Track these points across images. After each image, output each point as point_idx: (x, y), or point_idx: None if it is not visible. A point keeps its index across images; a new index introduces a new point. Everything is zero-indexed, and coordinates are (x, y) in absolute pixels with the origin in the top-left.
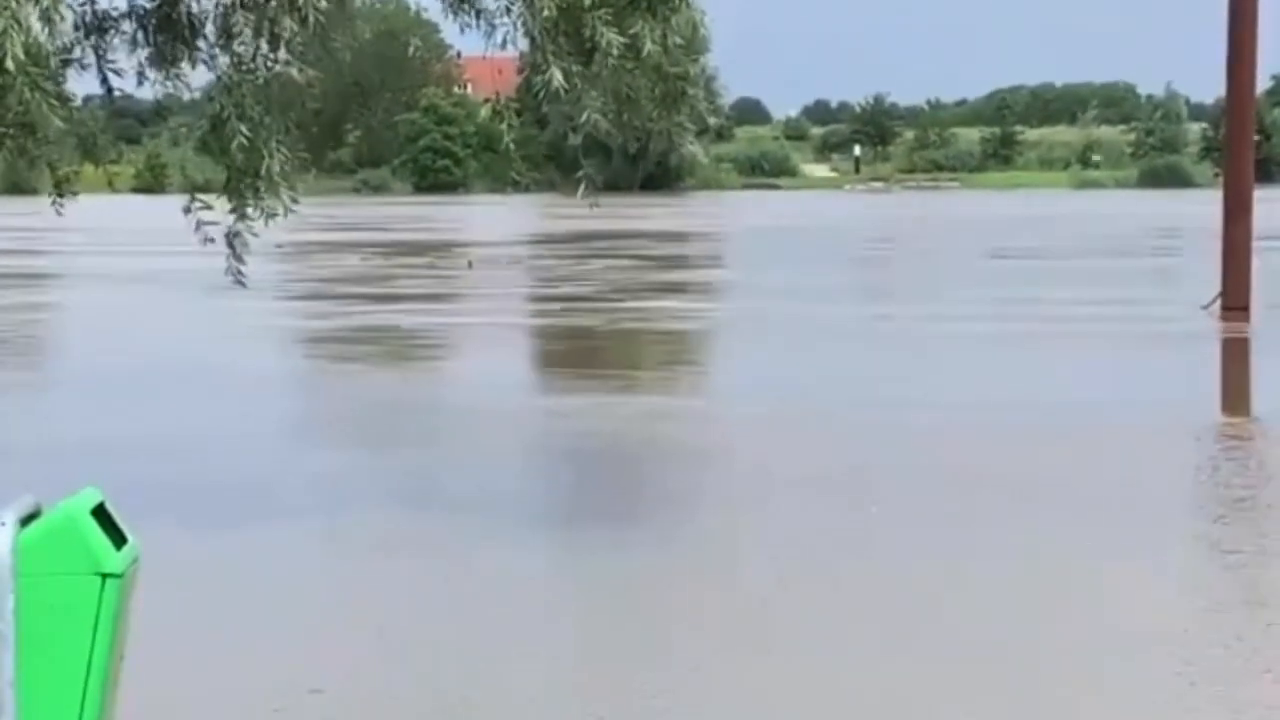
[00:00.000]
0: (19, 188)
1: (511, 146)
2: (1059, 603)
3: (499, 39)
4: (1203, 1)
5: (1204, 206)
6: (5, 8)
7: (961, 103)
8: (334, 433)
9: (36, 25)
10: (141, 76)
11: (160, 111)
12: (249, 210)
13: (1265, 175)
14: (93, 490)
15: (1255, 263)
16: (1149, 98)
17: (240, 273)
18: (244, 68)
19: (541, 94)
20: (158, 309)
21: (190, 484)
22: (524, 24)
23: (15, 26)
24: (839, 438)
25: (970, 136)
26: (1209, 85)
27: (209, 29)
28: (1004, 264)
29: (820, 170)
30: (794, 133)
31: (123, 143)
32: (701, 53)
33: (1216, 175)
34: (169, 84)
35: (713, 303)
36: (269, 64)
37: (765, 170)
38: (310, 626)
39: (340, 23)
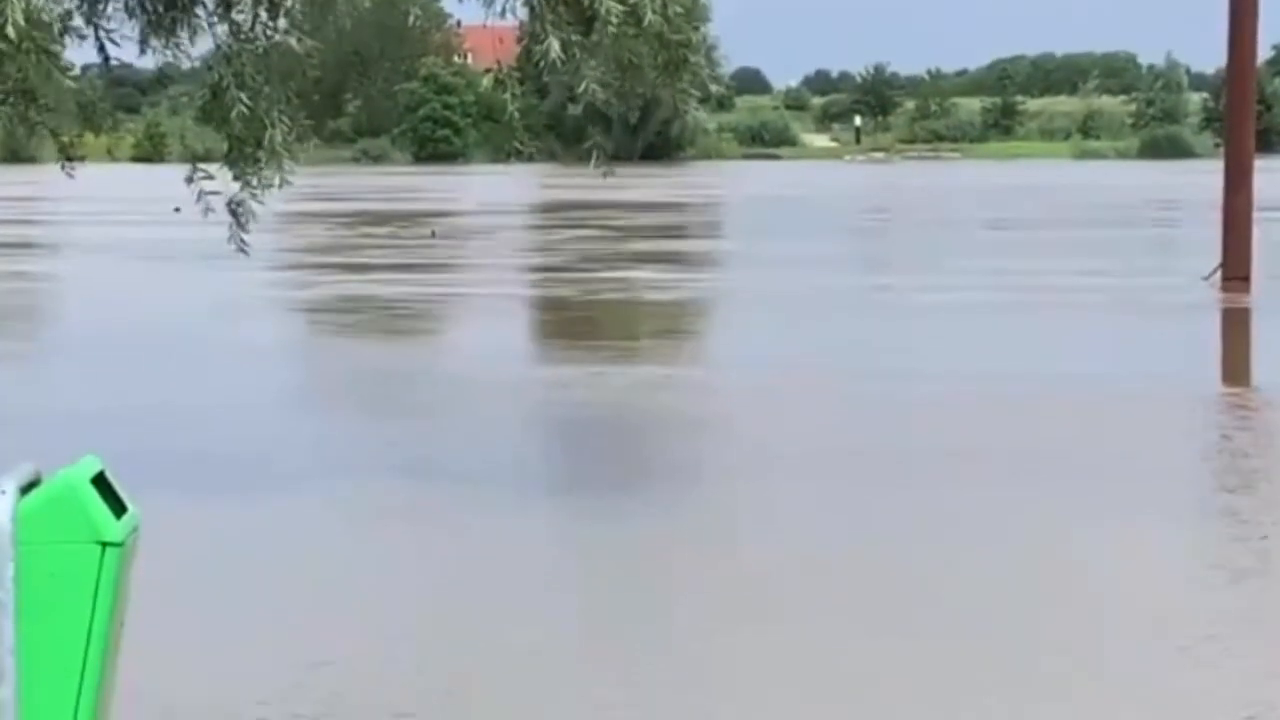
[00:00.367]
0: (17, 155)
1: (516, 116)
2: (1062, 574)
3: (498, 8)
4: None
5: (1205, 177)
6: None
7: (962, 73)
8: (329, 402)
9: None
10: (142, 45)
11: (160, 80)
12: (251, 179)
13: (1266, 145)
14: (92, 458)
15: (1256, 233)
16: (1150, 68)
17: (243, 241)
18: (243, 36)
19: (541, 63)
20: (145, 279)
21: (189, 453)
22: None
23: None
24: (837, 409)
25: (971, 107)
26: (1210, 55)
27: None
28: (1004, 235)
29: (821, 140)
30: (794, 103)
31: (122, 111)
32: (702, 21)
33: (1217, 145)
34: (168, 53)
35: (696, 274)
36: (268, 33)
37: (765, 140)
38: (314, 597)
39: None
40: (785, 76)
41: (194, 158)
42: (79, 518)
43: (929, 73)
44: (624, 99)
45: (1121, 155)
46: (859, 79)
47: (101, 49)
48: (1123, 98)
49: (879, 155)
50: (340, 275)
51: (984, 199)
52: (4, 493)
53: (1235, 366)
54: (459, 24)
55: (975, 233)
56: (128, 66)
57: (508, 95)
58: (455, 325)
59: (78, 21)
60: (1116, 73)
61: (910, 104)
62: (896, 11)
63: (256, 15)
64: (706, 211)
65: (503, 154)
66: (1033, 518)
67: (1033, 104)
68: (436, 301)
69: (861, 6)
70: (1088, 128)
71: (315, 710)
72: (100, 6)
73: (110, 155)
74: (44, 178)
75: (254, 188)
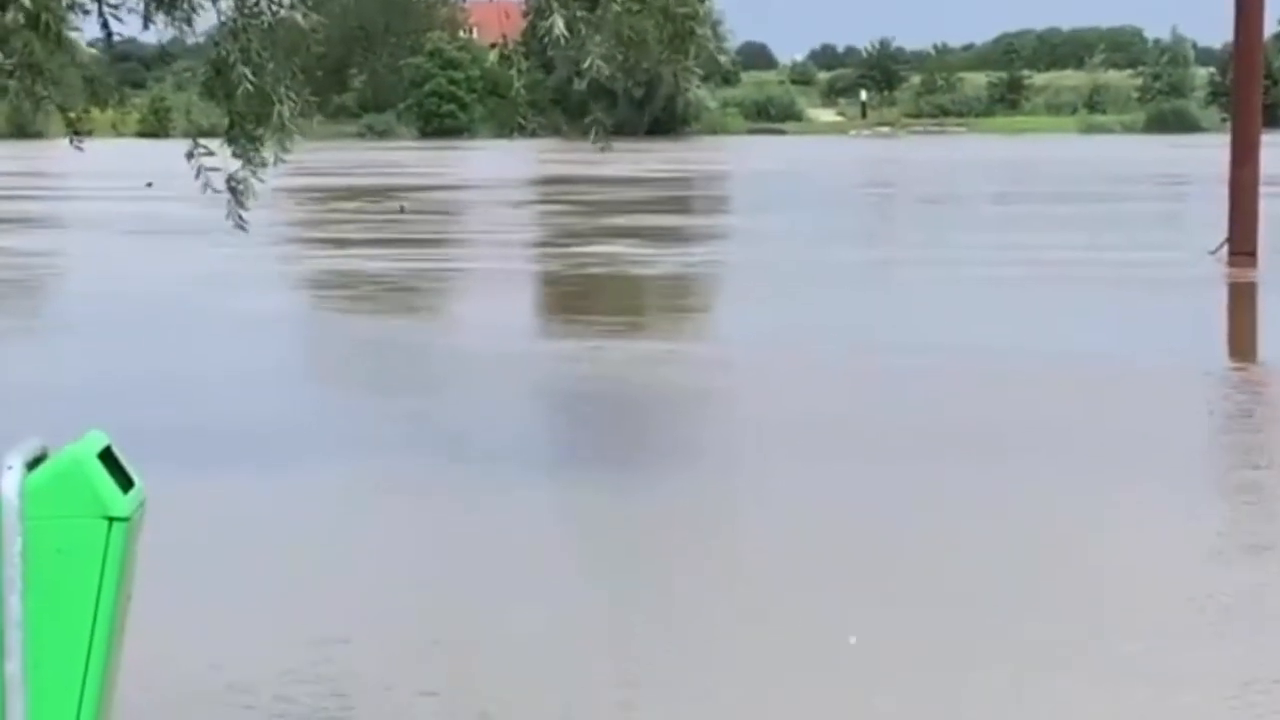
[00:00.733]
0: (24, 130)
1: (521, 92)
2: (1070, 545)
3: None
4: None
5: (1211, 151)
6: None
7: (968, 47)
8: (331, 376)
9: None
10: (145, 20)
11: (164, 56)
12: (251, 156)
13: (1272, 120)
14: (98, 434)
15: (1262, 208)
16: (1156, 42)
17: (241, 218)
18: (248, 11)
19: (546, 39)
20: (127, 255)
21: (192, 427)
22: None
23: None
24: (848, 383)
25: (977, 81)
26: (1217, 29)
27: None
28: (1009, 209)
29: (826, 115)
30: (800, 77)
31: (128, 87)
32: None
33: (1224, 120)
34: (173, 27)
35: (677, 248)
36: (274, 7)
37: (771, 115)
38: (326, 573)
39: None
40: (791, 51)
41: (196, 133)
42: (86, 493)
43: (935, 47)
44: (629, 74)
45: (1128, 129)
46: (865, 54)
47: (105, 24)
48: (1129, 72)
49: (884, 130)
50: (319, 250)
51: (990, 173)
52: (11, 468)
53: (1241, 341)
54: None
55: (980, 207)
56: (132, 41)
57: (513, 71)
58: (432, 298)
59: None
60: (1123, 47)
61: (916, 79)
62: None
63: None
64: (700, 186)
65: (507, 129)
66: (1040, 492)
67: (1039, 78)
68: (413, 276)
69: None
70: (1094, 102)
71: (334, 689)
72: None
73: (116, 130)
74: (32, 153)
75: (254, 165)
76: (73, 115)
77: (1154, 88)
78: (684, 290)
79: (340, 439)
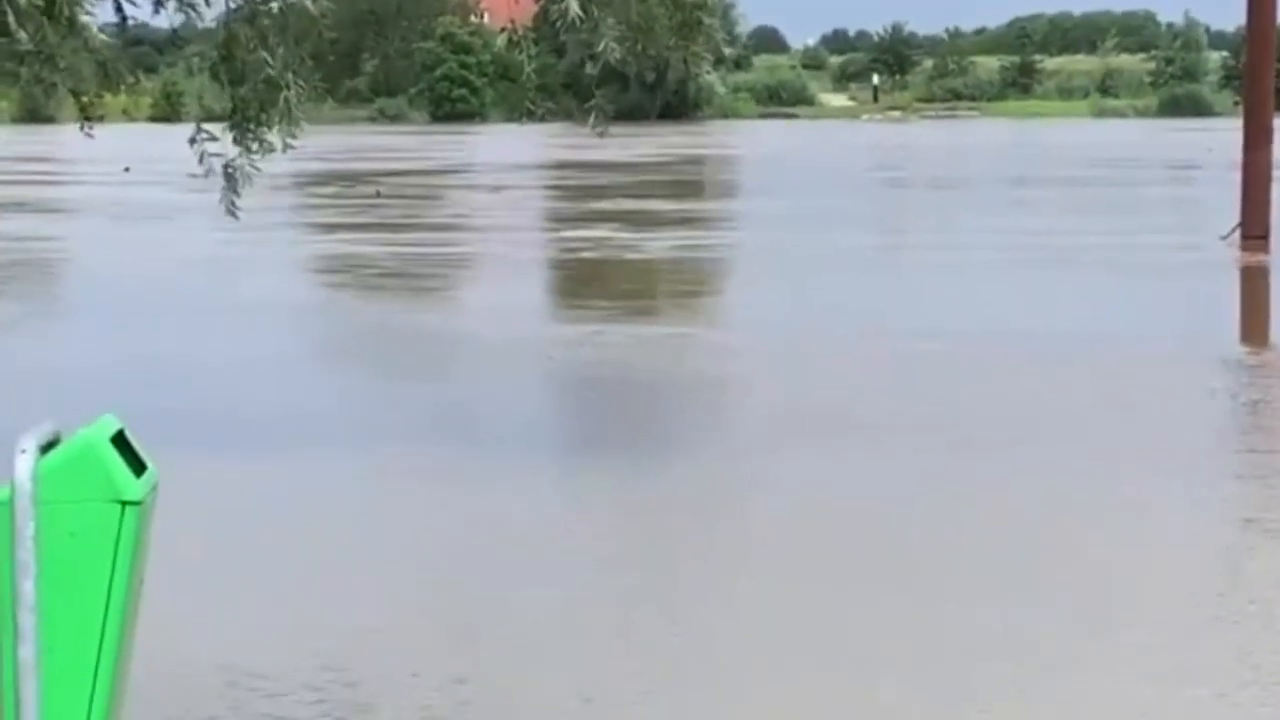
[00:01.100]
0: (36, 115)
1: (531, 77)
2: (1084, 527)
3: None
4: None
5: (1224, 135)
6: None
7: (980, 31)
8: (339, 360)
9: None
10: (156, 4)
11: (175, 40)
12: (251, 143)
13: None
14: (111, 418)
15: (1275, 192)
16: (1168, 26)
17: (234, 204)
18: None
19: (559, 23)
20: (118, 240)
21: (203, 412)
22: None
23: None
24: (851, 367)
25: (989, 65)
26: (1230, 13)
27: None
28: (1022, 193)
29: (838, 99)
30: (812, 62)
31: (140, 70)
32: None
33: (1236, 104)
34: (184, 12)
35: (661, 233)
36: None
37: (783, 99)
38: (351, 560)
39: None
40: (803, 35)
41: (206, 118)
42: (99, 476)
43: (947, 31)
44: (640, 59)
45: (1140, 114)
46: (877, 38)
47: (119, 9)
48: (1141, 56)
49: (896, 114)
50: (301, 235)
51: (1001, 158)
52: (24, 452)
53: (1254, 326)
54: None
55: (992, 192)
56: (144, 26)
57: (523, 56)
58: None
59: None
60: (1135, 31)
61: (928, 63)
62: None
63: None
64: (708, 169)
65: (517, 114)
66: (1052, 474)
67: (1051, 63)
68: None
69: None
70: (1106, 86)
71: (369, 675)
72: None
73: (128, 115)
74: (38, 138)
75: (253, 152)
76: (85, 100)
77: (1166, 72)
78: (683, 275)
79: (353, 423)
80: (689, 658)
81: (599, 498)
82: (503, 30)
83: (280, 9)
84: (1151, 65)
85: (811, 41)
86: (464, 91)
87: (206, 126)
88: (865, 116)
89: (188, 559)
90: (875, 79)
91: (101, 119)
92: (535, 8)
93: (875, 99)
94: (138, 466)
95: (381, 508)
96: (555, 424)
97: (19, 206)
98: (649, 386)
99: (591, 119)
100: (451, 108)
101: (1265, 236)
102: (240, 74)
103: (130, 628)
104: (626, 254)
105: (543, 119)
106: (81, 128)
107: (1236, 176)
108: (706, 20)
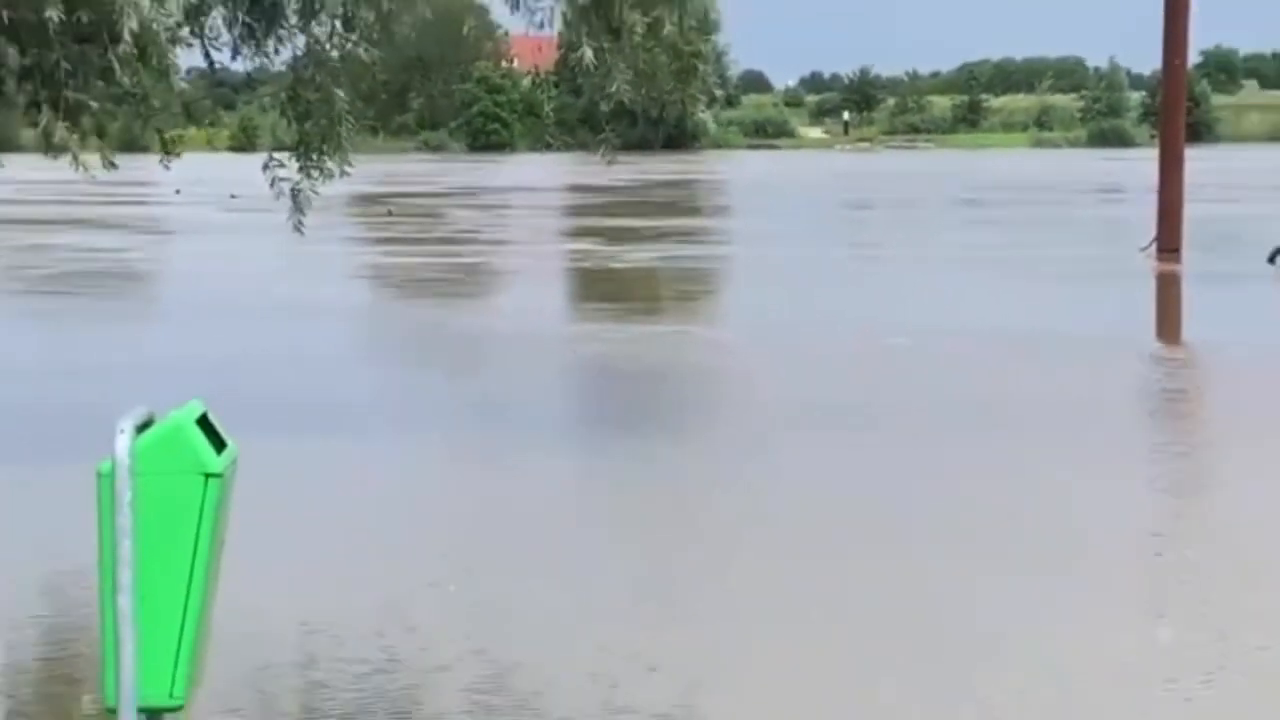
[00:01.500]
0: (133, 145)
1: (550, 114)
2: (1031, 494)
3: (539, 20)
4: None
5: (1142, 164)
6: None
7: (935, 74)
8: (389, 356)
9: (146, 4)
10: (234, 52)
11: (250, 82)
12: (313, 170)
13: (1194, 137)
14: (197, 402)
15: (1185, 211)
16: (1096, 69)
17: (300, 222)
18: (319, 49)
19: (576, 68)
20: (202, 253)
21: (275, 398)
22: (561, 9)
23: (131, 4)
24: (826, 361)
25: (943, 103)
26: (1148, 58)
27: (290, 12)
28: (968, 213)
29: (815, 132)
30: (792, 100)
31: (222, 108)
32: (712, 32)
33: (1153, 136)
34: (257, 58)
35: (628, 246)
36: (342, 44)
37: (768, 132)
38: (406, 524)
39: (409, 8)
40: (784, 77)
41: (276, 148)
42: (186, 453)
43: (907, 74)
44: (645, 99)
45: (1072, 145)
46: (847, 80)
47: (207, 55)
48: (1072, 95)
49: (864, 145)
50: (329, 247)
51: (954, 183)
52: (123, 432)
53: (1168, 325)
54: (506, 33)
55: (946, 211)
56: (225, 69)
57: (545, 97)
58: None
59: (184, 32)
60: (1067, 74)
61: (891, 101)
62: (879, 22)
63: (333, 29)
64: (695, 190)
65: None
66: (1003, 454)
67: (995, 101)
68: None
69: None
70: (1042, 121)
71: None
72: (203, 19)
73: (210, 146)
74: (135, 165)
75: (315, 177)
76: (168, 136)
77: (1094, 109)
78: (666, 280)
79: (405, 411)
80: (697, 622)
81: (619, 469)
82: (528, 74)
83: (340, 56)
84: (1081, 103)
85: (791, 83)
86: (496, 125)
87: (276, 155)
88: (837, 147)
89: (265, 524)
90: (846, 115)
91: (178, 155)
92: (557, 54)
93: (846, 132)
94: (219, 444)
95: (429, 479)
96: (578, 406)
97: (86, 224)
98: (653, 374)
99: (602, 150)
100: (486, 140)
101: (1178, 249)
102: (306, 111)
103: (213, 581)
104: (629, 263)
105: (566, 149)
106: (160, 160)
107: (1153, 198)
108: (701, 67)
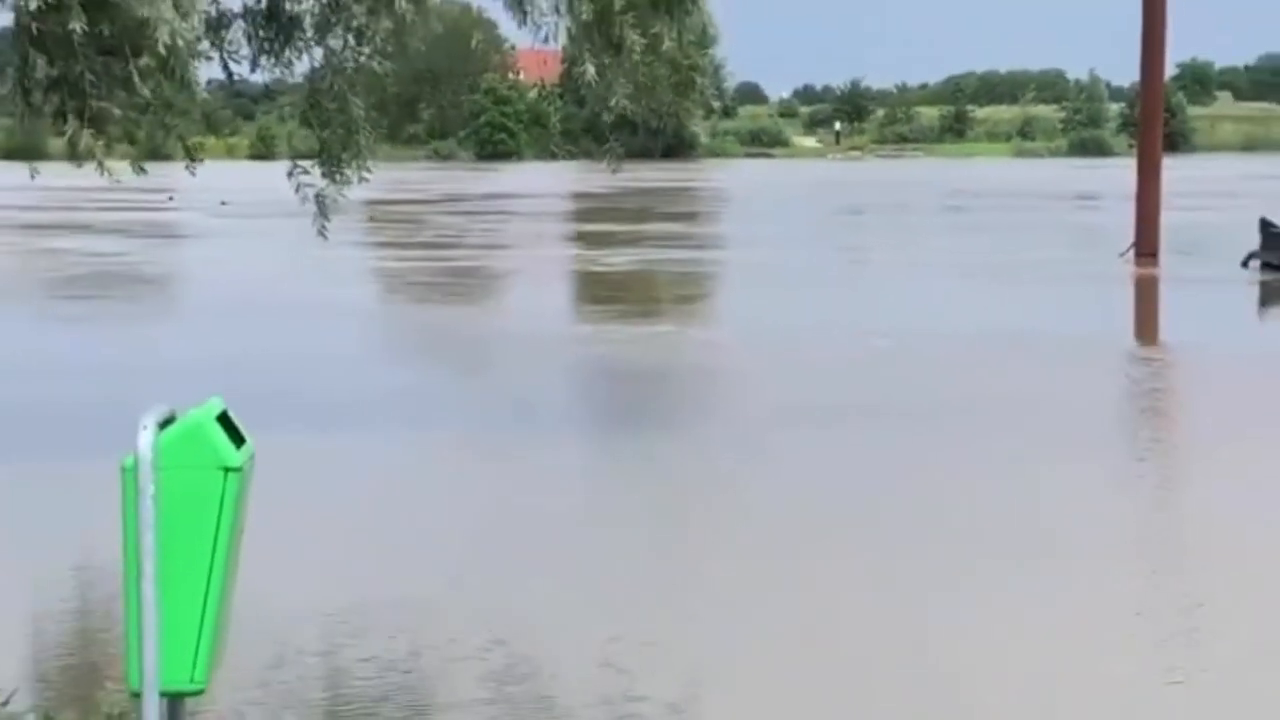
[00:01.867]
0: (155, 154)
1: (556, 125)
2: (1012, 480)
3: (543, 35)
4: (1122, 4)
5: (1121, 172)
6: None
7: (923, 86)
8: (397, 357)
9: (171, 18)
10: (253, 65)
11: (269, 93)
12: (336, 176)
13: (1170, 146)
14: (216, 400)
15: (1163, 217)
16: (1076, 82)
17: (324, 227)
18: (335, 61)
19: (580, 81)
20: (209, 255)
21: (291, 395)
22: (565, 24)
23: (163, 19)
24: (815, 359)
25: (930, 114)
26: (1127, 71)
27: (306, 26)
28: (955, 218)
29: (808, 142)
30: (786, 111)
31: (241, 118)
32: (710, 46)
33: (1131, 146)
34: (276, 70)
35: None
36: (356, 57)
37: (763, 141)
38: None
39: (420, 22)
40: (779, 89)
41: (296, 156)
42: (206, 448)
43: (896, 86)
44: (645, 111)
45: (1053, 154)
46: (839, 92)
47: (226, 67)
48: (1054, 106)
49: (855, 154)
50: (323, 250)
51: (941, 190)
52: (145, 428)
53: (1146, 326)
54: (513, 47)
55: (929, 217)
56: (244, 81)
57: (551, 109)
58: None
59: (204, 46)
60: (1049, 86)
61: (881, 112)
62: (870, 37)
63: (346, 42)
64: (694, 196)
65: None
66: (986, 445)
67: (980, 112)
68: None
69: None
70: (1025, 131)
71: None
72: (224, 33)
73: (230, 154)
74: (156, 173)
75: (338, 183)
76: (190, 144)
77: (1074, 119)
78: (677, 281)
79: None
80: (698, 596)
81: (627, 462)
82: (534, 86)
83: (354, 68)
84: (1062, 114)
85: (786, 94)
86: (503, 135)
87: (300, 163)
88: (830, 156)
89: (285, 515)
90: (838, 125)
91: (201, 161)
92: (561, 68)
93: (837, 141)
94: (238, 440)
95: (439, 470)
96: (580, 400)
97: (86, 229)
98: (650, 369)
99: (607, 159)
100: (493, 149)
101: (1155, 254)
102: (326, 120)
103: (233, 570)
104: (627, 266)
105: (571, 157)
106: (186, 167)
107: (1131, 205)
108: (699, 80)
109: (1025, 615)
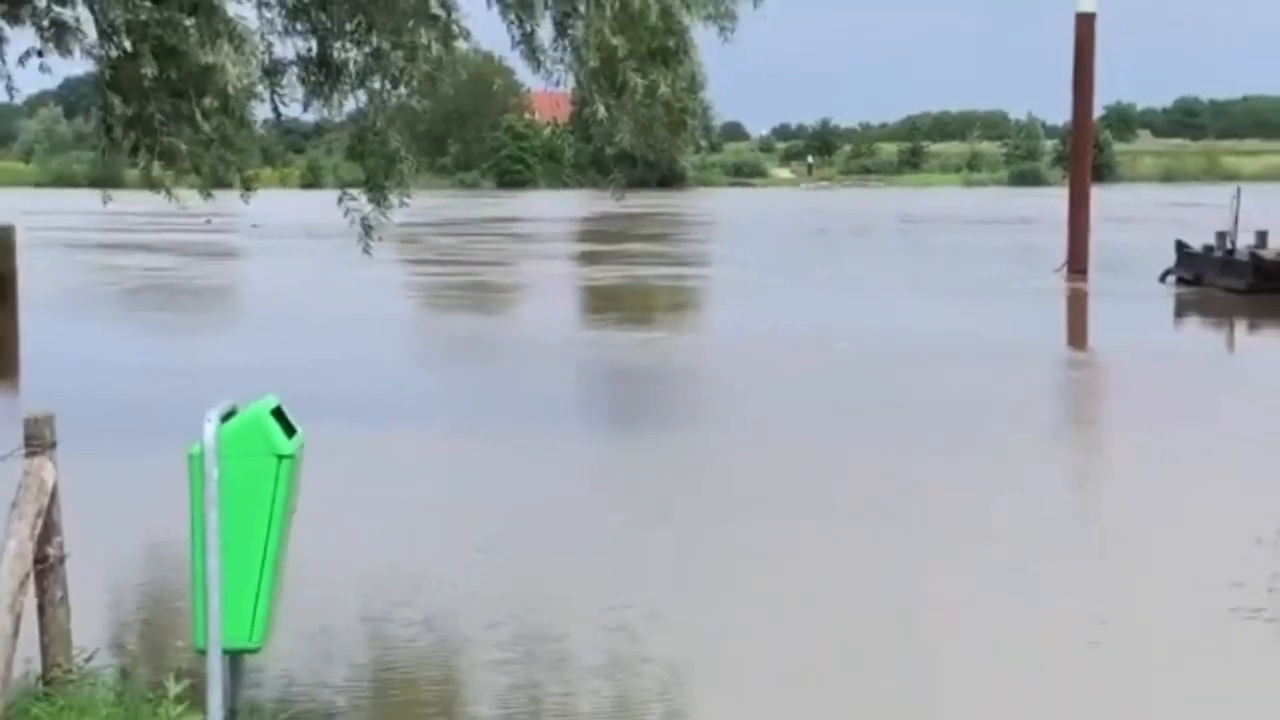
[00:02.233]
0: (219, 184)
1: (570, 159)
2: (957, 471)
3: (555, 80)
4: (1056, 54)
5: (1055, 200)
6: (213, 48)
7: (884, 125)
8: (431, 359)
9: (230, 66)
10: (304, 105)
11: (318, 129)
12: (380, 201)
13: (1098, 177)
14: (271, 396)
15: (1091, 238)
16: (1016, 121)
17: (369, 247)
18: (378, 99)
19: (589, 120)
20: (274, 268)
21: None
22: (574, 71)
23: (226, 63)
24: (788, 360)
25: (890, 149)
26: (1060, 111)
27: (351, 71)
28: (909, 239)
29: (784, 173)
30: (765, 146)
31: (292, 152)
32: (699, 90)
33: (1064, 177)
34: (324, 110)
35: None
36: (397, 96)
37: (745, 173)
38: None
39: (449, 68)
40: (759, 127)
41: (344, 185)
42: (262, 438)
43: (861, 125)
44: (643, 147)
45: (996, 184)
46: (811, 129)
47: (275, 108)
48: (998, 143)
49: (824, 184)
50: (336, 268)
51: (897, 214)
52: (210, 420)
53: (1076, 334)
54: (529, 90)
55: (889, 237)
56: (295, 119)
57: (565, 144)
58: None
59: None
60: (993, 125)
61: (847, 147)
62: (837, 82)
63: (384, 85)
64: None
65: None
66: (933, 441)
67: (934, 147)
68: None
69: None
70: (973, 164)
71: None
72: (279, 77)
73: (282, 184)
74: (217, 201)
75: (382, 207)
76: (247, 176)
77: (1015, 154)
78: (673, 293)
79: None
80: (695, 572)
81: (629, 453)
82: (547, 125)
83: (395, 106)
84: (1004, 149)
85: (765, 131)
86: (521, 167)
87: (349, 190)
88: (802, 185)
89: (343, 498)
90: (809, 159)
91: (255, 191)
92: (571, 109)
93: (809, 173)
94: (290, 430)
95: (465, 459)
96: (586, 399)
97: (136, 249)
98: (661, 370)
99: (612, 189)
100: (512, 178)
101: (1085, 270)
102: (370, 152)
103: (285, 545)
104: (632, 280)
105: (580, 186)
106: (240, 196)
107: (1064, 227)
108: (690, 120)
109: (966, 580)
